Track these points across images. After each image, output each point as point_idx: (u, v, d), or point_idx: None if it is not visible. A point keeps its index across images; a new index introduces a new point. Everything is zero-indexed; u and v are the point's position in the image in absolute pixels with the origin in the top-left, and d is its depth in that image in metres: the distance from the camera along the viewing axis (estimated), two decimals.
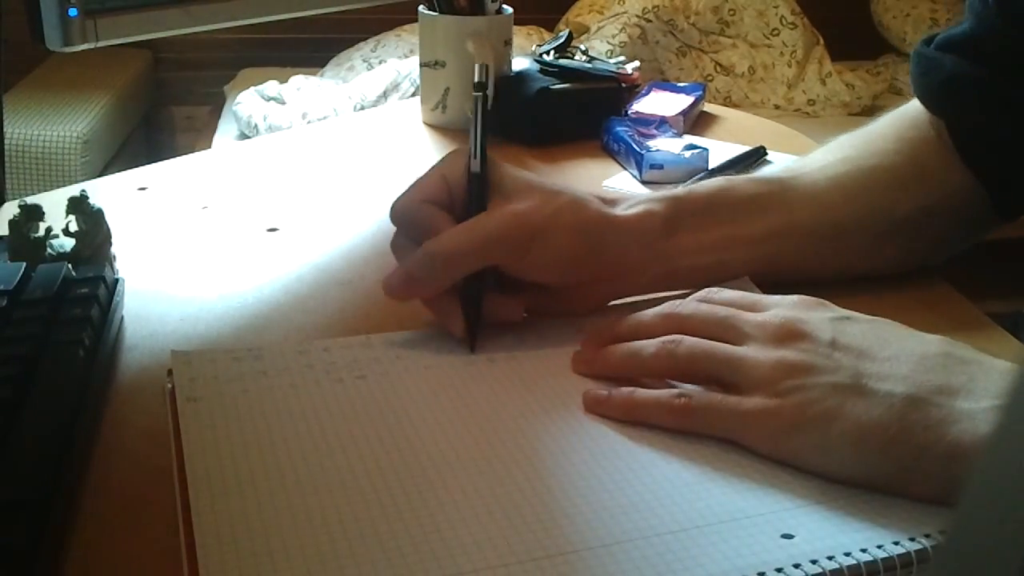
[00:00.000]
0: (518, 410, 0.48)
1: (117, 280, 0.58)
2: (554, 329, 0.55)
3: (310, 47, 2.69)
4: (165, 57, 2.84)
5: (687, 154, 0.84)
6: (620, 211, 0.57)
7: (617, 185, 0.83)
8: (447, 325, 0.53)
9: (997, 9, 0.61)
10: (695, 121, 1.01)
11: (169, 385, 0.49)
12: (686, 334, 0.49)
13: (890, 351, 0.45)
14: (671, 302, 0.52)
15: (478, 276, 0.53)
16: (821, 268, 0.61)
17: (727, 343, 0.48)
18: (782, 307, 0.49)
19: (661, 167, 0.83)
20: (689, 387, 0.48)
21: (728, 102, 2.53)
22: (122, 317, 0.58)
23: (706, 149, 0.85)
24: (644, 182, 0.82)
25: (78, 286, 0.54)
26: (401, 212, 0.55)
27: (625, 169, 0.86)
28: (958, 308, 0.62)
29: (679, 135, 0.91)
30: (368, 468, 0.43)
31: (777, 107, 2.57)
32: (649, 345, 0.49)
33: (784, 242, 0.60)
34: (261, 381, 0.49)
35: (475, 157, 0.54)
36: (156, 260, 0.66)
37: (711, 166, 0.84)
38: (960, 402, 0.42)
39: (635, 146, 0.84)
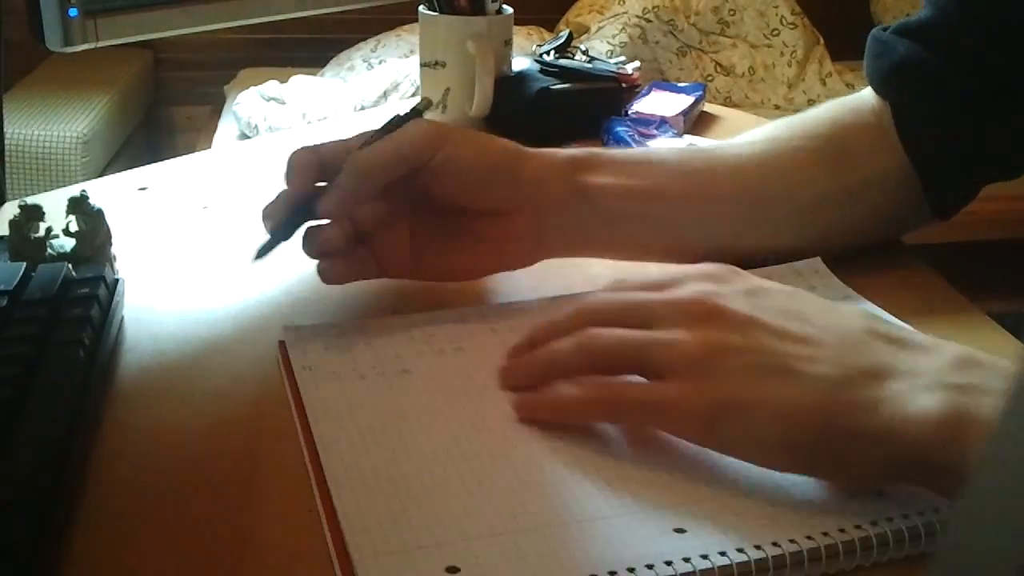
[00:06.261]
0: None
1: (117, 280, 0.58)
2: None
3: (310, 47, 2.69)
4: (165, 57, 2.84)
5: None
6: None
7: None
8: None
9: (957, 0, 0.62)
10: (695, 121, 1.01)
11: (280, 356, 0.53)
12: (600, 326, 0.47)
13: (812, 329, 0.44)
14: (582, 297, 0.53)
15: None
16: (739, 239, 0.62)
17: (641, 329, 0.45)
18: (691, 280, 0.47)
19: None
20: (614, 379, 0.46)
21: (728, 102, 2.53)
22: (122, 317, 0.58)
23: None
24: None
25: (78, 286, 0.54)
26: (299, 158, 0.58)
27: None
28: (958, 308, 0.62)
29: (679, 135, 0.91)
30: (456, 437, 0.46)
31: (777, 107, 2.57)
32: (565, 345, 0.47)
33: (708, 206, 0.61)
34: (367, 351, 0.53)
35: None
36: (156, 260, 0.66)
37: None
38: (889, 382, 0.41)
39: (635, 146, 0.84)
